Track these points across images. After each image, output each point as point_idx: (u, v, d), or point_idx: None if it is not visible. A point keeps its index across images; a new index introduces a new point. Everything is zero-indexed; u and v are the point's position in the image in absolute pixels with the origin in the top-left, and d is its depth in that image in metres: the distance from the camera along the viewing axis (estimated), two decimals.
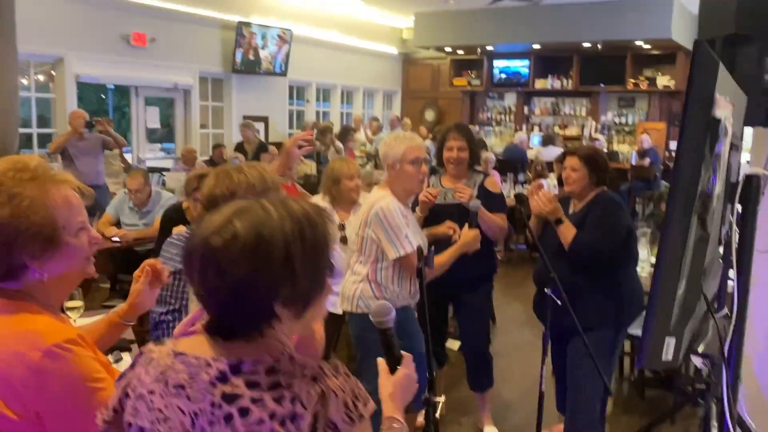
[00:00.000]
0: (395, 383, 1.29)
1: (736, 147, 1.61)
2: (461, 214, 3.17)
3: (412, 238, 2.84)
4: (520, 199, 2.92)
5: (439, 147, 3.50)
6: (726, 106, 1.17)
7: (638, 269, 4.31)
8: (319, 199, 3.85)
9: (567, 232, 3.01)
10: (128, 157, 8.47)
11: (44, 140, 7.41)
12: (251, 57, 9.93)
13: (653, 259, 4.48)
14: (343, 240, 3.67)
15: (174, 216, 3.94)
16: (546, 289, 2.69)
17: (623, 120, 12.14)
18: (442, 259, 2.91)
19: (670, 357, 1.21)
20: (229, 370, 1.03)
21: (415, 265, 2.79)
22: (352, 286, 2.98)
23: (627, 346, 4.63)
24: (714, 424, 2.32)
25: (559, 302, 2.66)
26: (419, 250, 2.33)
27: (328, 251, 1.11)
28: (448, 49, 12.58)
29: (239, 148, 8.86)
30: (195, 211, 3.45)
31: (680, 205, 1.13)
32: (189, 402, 1.03)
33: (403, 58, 13.92)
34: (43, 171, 1.32)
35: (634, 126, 11.97)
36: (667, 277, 1.15)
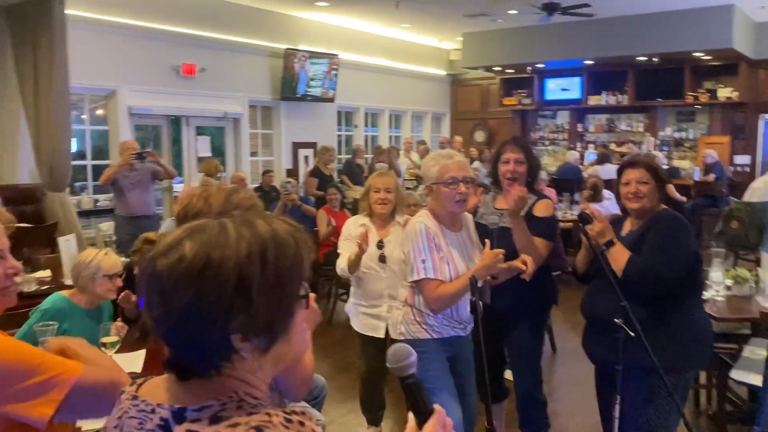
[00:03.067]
0: None
1: None
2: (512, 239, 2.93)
3: (432, 265, 2.61)
4: (584, 219, 2.65)
5: (494, 162, 3.22)
6: None
7: (712, 293, 3.99)
8: (361, 215, 3.69)
9: (619, 256, 2.63)
10: (180, 186, 8.55)
11: (99, 172, 7.55)
12: (299, 84, 9.96)
13: (729, 282, 4.13)
14: (382, 259, 3.50)
15: None
16: (616, 320, 2.42)
17: (683, 135, 11.67)
18: (450, 287, 2.61)
19: None
20: (171, 417, 0.95)
21: (432, 296, 2.61)
22: (396, 312, 2.82)
23: (703, 377, 4.28)
24: None
25: (632, 333, 2.39)
26: (472, 281, 2.11)
27: (298, 276, 0.98)
28: (497, 69, 12.40)
29: (317, 173, 8.92)
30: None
31: None
32: None
33: (452, 80, 13.80)
34: None
35: (695, 141, 11.48)
36: None
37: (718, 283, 4.08)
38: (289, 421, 0.91)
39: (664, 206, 2.80)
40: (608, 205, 7.30)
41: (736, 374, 2.83)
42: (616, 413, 2.51)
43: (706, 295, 3.97)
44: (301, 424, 0.91)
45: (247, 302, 0.92)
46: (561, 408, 4.27)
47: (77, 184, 7.90)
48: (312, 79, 10.11)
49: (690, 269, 2.64)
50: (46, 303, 2.89)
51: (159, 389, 1.00)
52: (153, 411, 0.97)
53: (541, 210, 3.12)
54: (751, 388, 3.35)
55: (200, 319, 0.91)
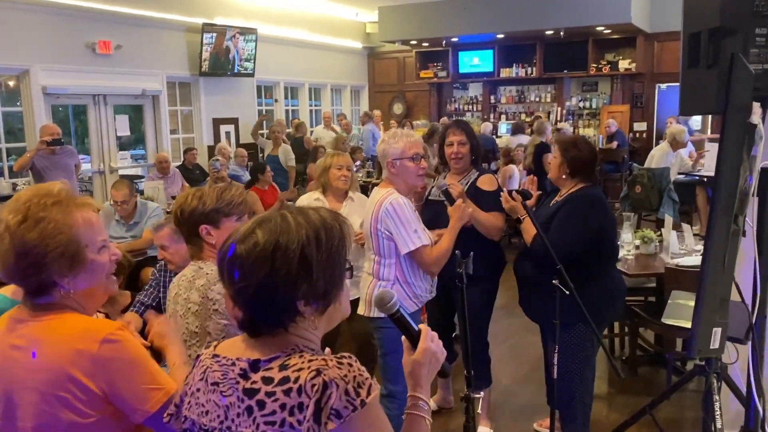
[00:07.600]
0: (414, 361, 1.33)
1: None
2: None
3: (422, 233, 2.88)
4: (525, 194, 2.98)
5: (441, 145, 3.51)
6: (758, 112, 1.26)
7: (624, 252, 4.46)
8: (313, 190, 3.89)
9: (527, 232, 3.02)
10: (95, 166, 8.34)
11: (14, 154, 7.29)
12: (217, 59, 9.84)
13: (637, 242, 4.63)
14: None
15: None
16: (554, 281, 2.76)
17: (587, 104, 12.40)
18: (442, 245, 2.88)
19: (717, 345, 1.30)
20: (248, 367, 1.18)
21: (431, 259, 2.84)
22: (369, 286, 2.97)
23: (617, 327, 4.80)
24: (717, 398, 2.44)
25: (567, 291, 2.74)
26: (458, 257, 2.38)
27: (343, 253, 1.23)
28: (413, 42, 12.65)
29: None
30: None
31: (722, 207, 1.22)
32: (222, 397, 1.19)
33: (369, 53, 13.95)
34: (65, 195, 1.42)
35: (598, 110, 12.24)
36: (713, 275, 1.24)
37: (629, 243, 4.57)
38: (341, 363, 1.14)
39: (582, 185, 3.07)
40: (517, 175, 7.81)
41: (666, 320, 3.32)
42: (555, 360, 2.88)
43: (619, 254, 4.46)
44: (350, 365, 1.15)
45: (308, 274, 1.16)
46: (494, 360, 4.67)
47: None
48: (230, 53, 10.00)
49: (596, 241, 2.97)
50: None
51: (234, 347, 1.24)
52: (233, 363, 1.20)
53: (485, 183, 3.39)
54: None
55: (274, 289, 1.16)
